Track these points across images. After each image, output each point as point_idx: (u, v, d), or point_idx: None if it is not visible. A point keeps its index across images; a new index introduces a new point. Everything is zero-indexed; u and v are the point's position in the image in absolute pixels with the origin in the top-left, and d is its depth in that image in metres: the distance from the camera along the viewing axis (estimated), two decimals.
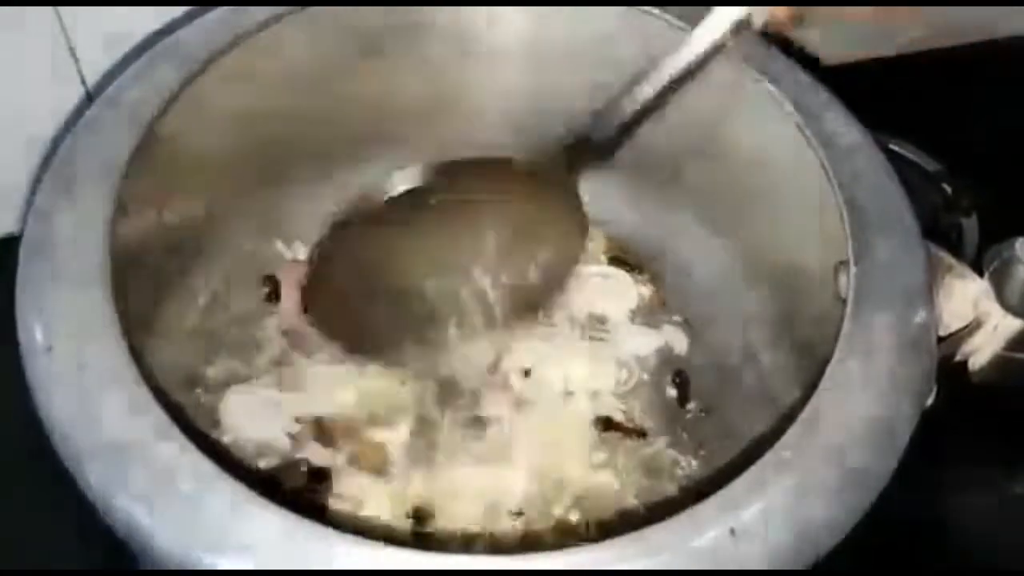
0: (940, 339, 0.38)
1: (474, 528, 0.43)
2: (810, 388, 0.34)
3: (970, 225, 0.57)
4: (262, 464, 0.45)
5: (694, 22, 0.45)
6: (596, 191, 0.53)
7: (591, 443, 0.47)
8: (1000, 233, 0.43)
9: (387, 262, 0.44)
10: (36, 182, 0.39)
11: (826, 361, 0.34)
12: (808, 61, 0.47)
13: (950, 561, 0.48)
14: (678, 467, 0.47)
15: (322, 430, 0.47)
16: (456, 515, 0.44)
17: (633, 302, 0.52)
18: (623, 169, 0.53)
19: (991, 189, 0.59)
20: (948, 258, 0.39)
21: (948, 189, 0.59)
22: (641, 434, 0.47)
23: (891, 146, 0.59)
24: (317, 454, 0.46)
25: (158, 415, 0.31)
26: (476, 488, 0.45)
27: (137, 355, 0.33)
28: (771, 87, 0.43)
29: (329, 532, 0.29)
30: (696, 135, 0.48)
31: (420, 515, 0.44)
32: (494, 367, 0.49)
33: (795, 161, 0.42)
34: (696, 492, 0.43)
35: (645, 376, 0.50)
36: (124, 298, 0.34)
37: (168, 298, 0.45)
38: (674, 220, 0.52)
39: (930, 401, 0.36)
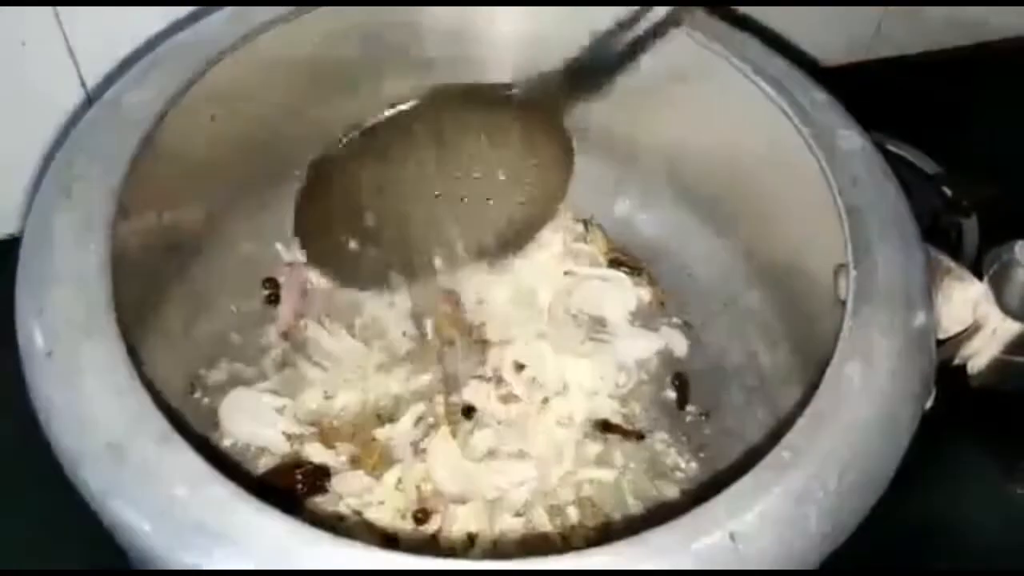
0: (939, 342, 0.38)
1: (475, 529, 0.43)
2: (810, 391, 0.34)
3: (970, 226, 0.57)
4: (262, 466, 0.45)
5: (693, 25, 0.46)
6: (596, 192, 0.54)
7: (590, 445, 0.47)
8: (1000, 234, 0.43)
9: (374, 189, 0.45)
10: (36, 184, 0.39)
11: (826, 364, 0.34)
12: (807, 62, 0.47)
13: (950, 561, 0.48)
14: (678, 469, 0.47)
15: (322, 431, 0.47)
16: (457, 516, 0.44)
17: (633, 304, 0.52)
18: (623, 172, 0.53)
19: (991, 190, 0.59)
20: (947, 261, 0.39)
21: (948, 191, 0.59)
22: (639, 436, 0.47)
23: (890, 148, 0.59)
24: (317, 455, 0.46)
25: (156, 418, 0.31)
26: (477, 489, 0.45)
27: (136, 358, 0.33)
28: (770, 89, 0.43)
29: (325, 536, 0.29)
30: (695, 137, 0.48)
31: (421, 516, 0.44)
32: (495, 368, 0.49)
33: (794, 164, 0.42)
34: (696, 494, 0.43)
35: (645, 378, 0.50)
36: (123, 300, 0.34)
37: (167, 300, 0.45)
38: (674, 222, 0.52)
39: (929, 404, 0.36)
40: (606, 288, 0.52)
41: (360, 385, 0.48)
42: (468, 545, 0.43)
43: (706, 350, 0.51)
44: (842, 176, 0.40)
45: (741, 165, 0.47)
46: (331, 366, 0.48)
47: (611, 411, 0.48)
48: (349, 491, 0.44)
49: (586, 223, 0.54)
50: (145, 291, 0.42)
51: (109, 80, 0.44)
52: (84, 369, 0.32)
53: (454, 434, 0.46)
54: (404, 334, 0.50)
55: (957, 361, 0.41)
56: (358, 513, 0.44)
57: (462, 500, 0.44)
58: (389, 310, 0.50)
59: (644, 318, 0.52)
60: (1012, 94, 0.68)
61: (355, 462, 0.46)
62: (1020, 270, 0.38)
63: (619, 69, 0.43)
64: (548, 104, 0.45)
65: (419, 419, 0.47)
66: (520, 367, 0.48)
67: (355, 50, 0.48)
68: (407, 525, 0.44)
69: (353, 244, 0.45)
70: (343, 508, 0.44)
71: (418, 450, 0.46)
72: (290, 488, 0.44)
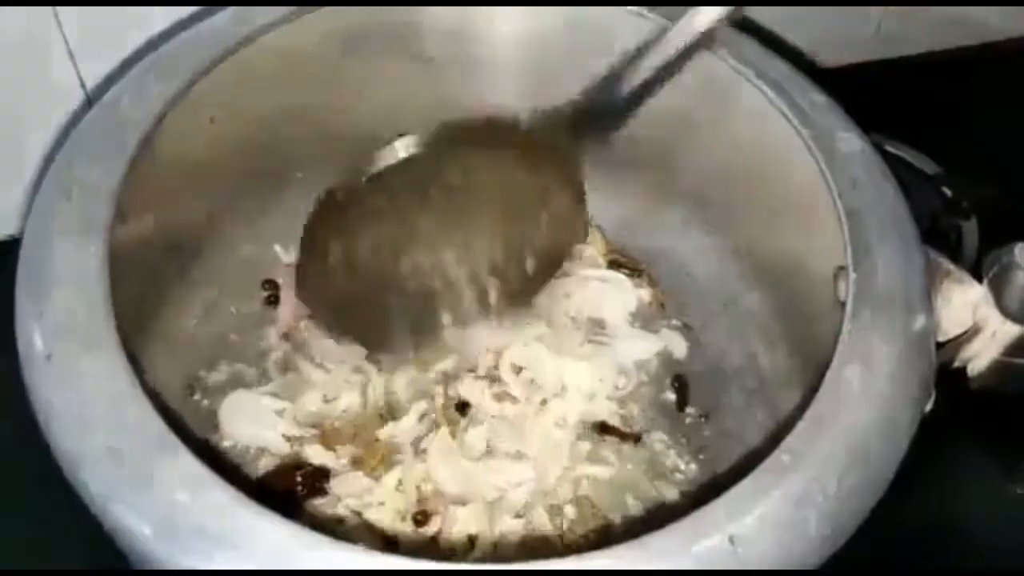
0: (939, 345, 0.38)
1: (475, 530, 0.43)
2: (809, 393, 0.34)
3: (970, 228, 0.57)
4: (262, 468, 0.45)
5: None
6: (596, 194, 0.53)
7: (589, 447, 0.47)
8: (1000, 236, 0.43)
9: (379, 241, 0.42)
10: (36, 185, 0.39)
11: (825, 366, 0.34)
12: (806, 63, 0.47)
13: (950, 562, 0.48)
14: (677, 471, 0.47)
15: (323, 433, 0.47)
16: (457, 517, 0.44)
17: (632, 306, 0.52)
18: (623, 173, 0.53)
19: (991, 191, 0.59)
20: (947, 264, 0.39)
21: (948, 192, 0.59)
22: (636, 439, 0.47)
23: (890, 149, 0.59)
24: (317, 457, 0.46)
25: (156, 421, 0.31)
26: (477, 490, 0.45)
27: (136, 360, 0.33)
28: (769, 91, 0.43)
29: (325, 539, 0.29)
30: (695, 139, 0.48)
31: (421, 518, 0.44)
32: (494, 369, 0.49)
33: (794, 166, 0.42)
34: (696, 497, 0.43)
35: (644, 380, 0.50)
36: (123, 302, 0.34)
37: (167, 302, 0.45)
38: (674, 224, 0.52)
39: (929, 406, 0.36)
40: (606, 290, 0.52)
41: (361, 386, 0.48)
42: (468, 547, 0.43)
43: (706, 352, 0.51)
44: (841, 178, 0.40)
45: (740, 167, 0.47)
46: (332, 367, 0.48)
47: (609, 413, 0.48)
48: (349, 493, 0.44)
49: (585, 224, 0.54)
50: (145, 293, 0.42)
51: (109, 81, 0.44)
52: (83, 372, 0.32)
53: (453, 434, 0.46)
54: None
55: (957, 363, 0.41)
56: (358, 514, 0.44)
57: (462, 501, 0.44)
58: None
59: (644, 320, 0.52)
60: (1012, 94, 0.68)
61: (356, 463, 0.46)
62: (1020, 272, 0.38)
63: (636, 108, 0.41)
64: (561, 148, 0.42)
65: (422, 416, 0.47)
66: (518, 369, 0.48)
67: (355, 51, 0.48)
68: (407, 527, 0.44)
69: (357, 302, 0.42)
70: (343, 510, 0.44)
71: (419, 450, 0.46)
72: (290, 490, 0.44)
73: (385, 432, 0.46)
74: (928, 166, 0.60)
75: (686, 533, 0.30)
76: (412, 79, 0.50)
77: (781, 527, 0.30)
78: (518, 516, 0.44)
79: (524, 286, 0.44)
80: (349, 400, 0.48)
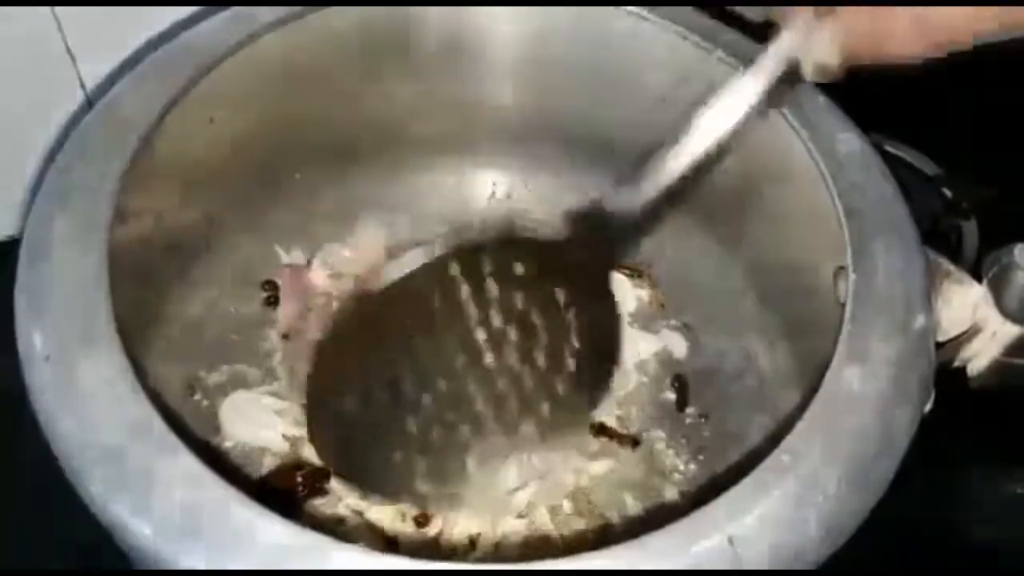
0: (939, 345, 0.38)
1: (476, 531, 0.43)
2: (809, 393, 0.34)
3: (970, 228, 0.57)
4: (262, 468, 0.45)
5: (689, 24, 0.46)
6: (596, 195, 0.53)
7: (588, 446, 0.47)
8: (1000, 236, 0.43)
9: (395, 370, 0.35)
10: (36, 185, 0.39)
11: (825, 366, 0.34)
12: None
13: (950, 562, 0.48)
14: (677, 471, 0.47)
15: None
16: (458, 517, 0.44)
17: (632, 306, 0.52)
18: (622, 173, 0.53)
19: (991, 192, 0.58)
20: (947, 264, 0.39)
21: (948, 192, 0.59)
22: (634, 442, 0.47)
23: (890, 149, 0.59)
24: (317, 457, 0.45)
25: (156, 421, 0.31)
26: (478, 490, 0.45)
27: (136, 361, 0.33)
28: None
29: (325, 540, 0.29)
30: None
31: (422, 520, 0.44)
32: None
33: (794, 166, 0.42)
34: (695, 497, 0.43)
35: (644, 380, 0.50)
36: (123, 303, 0.34)
37: (166, 303, 0.45)
38: (673, 224, 0.52)
39: (929, 406, 0.36)
40: None
41: None
42: (469, 548, 0.43)
43: (705, 352, 0.51)
44: (841, 179, 0.40)
45: (740, 167, 0.46)
46: None
47: (609, 413, 0.48)
48: (349, 492, 0.44)
49: None
50: (144, 293, 0.42)
51: (109, 82, 0.44)
52: (83, 372, 0.32)
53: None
54: None
55: (957, 363, 0.41)
56: (358, 514, 0.44)
57: (463, 502, 0.44)
58: None
59: (644, 320, 0.52)
60: (1012, 94, 0.68)
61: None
62: (1020, 273, 0.39)
63: (673, 206, 0.35)
64: (590, 259, 0.36)
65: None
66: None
67: (356, 51, 0.48)
68: (407, 527, 0.43)
69: (371, 444, 0.36)
70: (343, 510, 0.44)
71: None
72: (290, 490, 0.44)
73: None
74: (928, 167, 0.60)
75: (685, 533, 0.30)
76: (412, 79, 0.50)
77: (781, 527, 0.30)
78: (520, 516, 0.44)
79: (558, 418, 0.38)
80: None
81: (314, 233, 0.52)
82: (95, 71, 0.51)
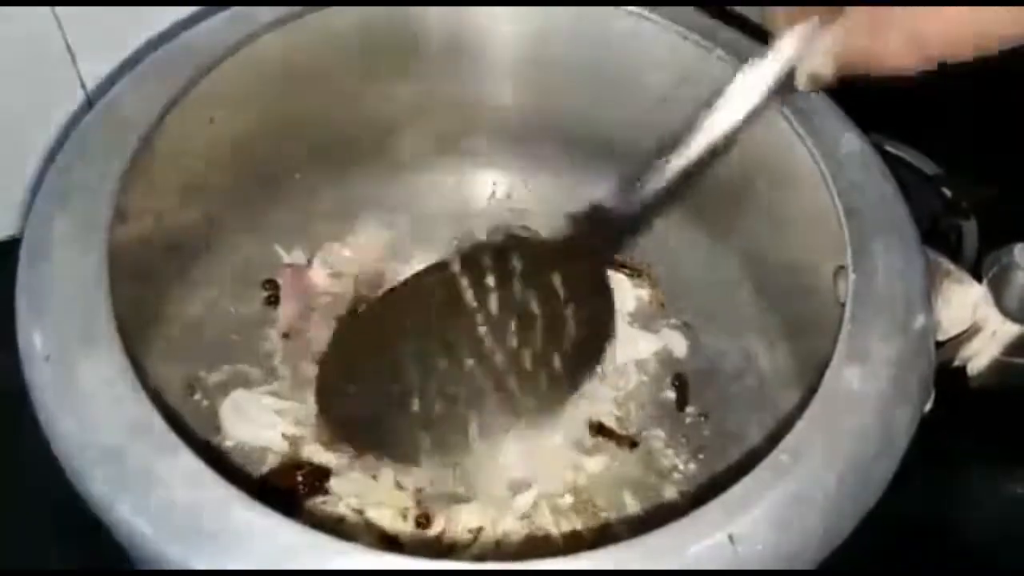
0: (939, 344, 0.38)
1: (476, 530, 0.43)
2: (809, 392, 0.34)
3: (969, 228, 0.57)
4: (263, 468, 0.45)
5: (689, 24, 0.46)
6: (595, 194, 0.53)
7: (588, 446, 0.47)
8: (1000, 236, 0.43)
9: (403, 354, 0.41)
10: (36, 185, 0.39)
11: (825, 365, 0.34)
12: None
13: (950, 562, 0.48)
14: (676, 471, 0.47)
15: (323, 433, 0.47)
16: (459, 517, 0.44)
17: (632, 305, 0.52)
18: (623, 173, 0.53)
19: (991, 192, 0.59)
20: (947, 263, 0.39)
21: (947, 192, 0.59)
22: (632, 443, 0.47)
23: (890, 149, 0.59)
24: (318, 456, 0.46)
25: (156, 421, 0.31)
26: (478, 489, 0.45)
27: (136, 361, 0.33)
28: None
29: (325, 538, 0.29)
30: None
31: (423, 521, 0.44)
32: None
33: (793, 166, 0.42)
34: (695, 496, 0.43)
35: (644, 379, 0.50)
36: (123, 303, 0.34)
37: (167, 303, 0.45)
38: (673, 223, 0.52)
39: (929, 406, 0.36)
40: None
41: None
42: (470, 544, 0.43)
43: (706, 351, 0.51)
44: (841, 178, 0.40)
45: (741, 167, 0.46)
46: None
47: (607, 413, 0.48)
48: (350, 492, 0.44)
49: None
50: (144, 293, 0.42)
51: (109, 81, 0.44)
52: (83, 372, 0.32)
53: (454, 437, 0.46)
54: None
55: (957, 363, 0.41)
56: (359, 513, 0.44)
57: (463, 501, 0.44)
58: None
59: (644, 319, 0.52)
60: (1012, 95, 0.68)
61: (355, 464, 0.45)
62: (1019, 272, 0.39)
63: (655, 215, 0.39)
64: (587, 253, 0.41)
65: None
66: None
67: (356, 51, 0.48)
68: (408, 526, 0.44)
69: (380, 416, 0.41)
70: (343, 509, 0.44)
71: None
72: (290, 489, 0.44)
73: None
74: (928, 166, 0.60)
75: (685, 532, 0.30)
76: (412, 79, 0.50)
77: (780, 526, 0.30)
78: (524, 517, 0.44)
79: (554, 391, 0.42)
80: None
81: (314, 233, 0.52)
82: (95, 71, 0.51)
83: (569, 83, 0.50)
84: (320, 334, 0.49)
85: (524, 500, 0.44)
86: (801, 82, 0.35)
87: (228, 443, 0.46)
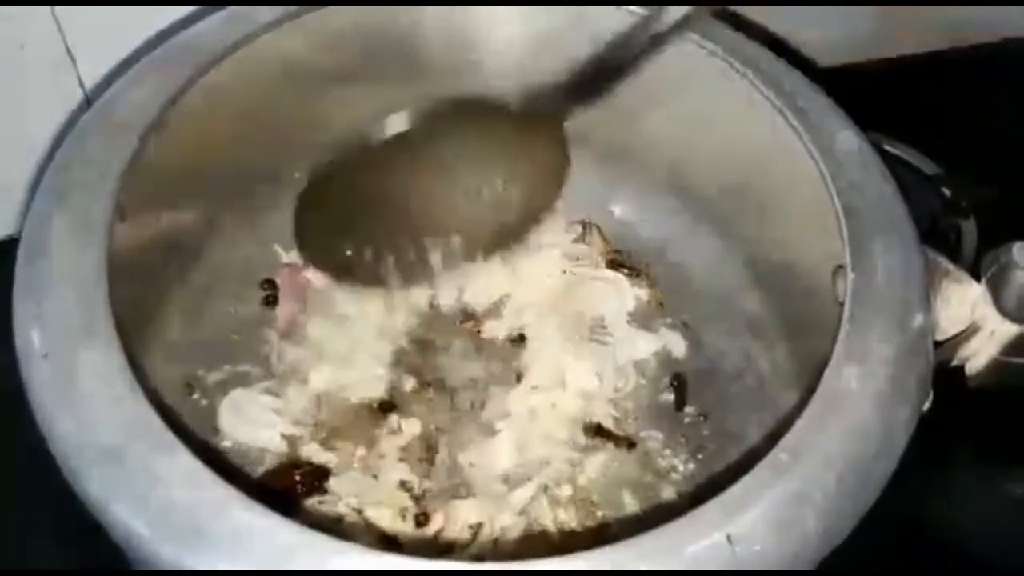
0: (937, 344, 0.38)
1: (476, 526, 0.43)
2: (808, 392, 0.34)
3: (969, 228, 0.57)
4: (261, 468, 0.45)
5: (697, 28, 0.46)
6: (596, 193, 0.54)
7: (587, 446, 0.47)
8: (999, 235, 0.43)
9: (375, 196, 0.45)
10: (35, 184, 0.39)
11: (824, 365, 0.34)
12: (805, 63, 0.47)
13: (949, 562, 0.48)
14: (675, 471, 0.47)
15: (321, 433, 0.47)
16: (457, 516, 0.44)
17: (631, 305, 0.52)
18: (622, 174, 0.53)
19: (990, 192, 0.59)
20: (945, 263, 0.39)
21: (947, 192, 0.59)
22: (630, 444, 0.47)
23: (890, 149, 0.59)
24: (316, 456, 0.46)
25: (154, 420, 0.31)
26: (477, 488, 0.45)
27: (134, 360, 0.33)
28: (769, 91, 0.43)
29: (323, 538, 0.29)
30: (695, 139, 0.48)
31: (422, 519, 0.44)
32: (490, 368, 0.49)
33: (793, 165, 0.42)
34: (694, 496, 0.43)
35: (643, 380, 0.50)
36: (121, 302, 0.34)
37: (166, 302, 0.45)
38: (673, 223, 0.52)
39: (927, 405, 0.36)
40: (605, 289, 0.52)
41: (361, 383, 0.48)
42: (468, 541, 0.43)
43: (704, 351, 0.51)
44: (840, 178, 0.40)
45: (740, 167, 0.47)
46: (331, 366, 0.48)
47: (605, 413, 0.48)
48: (348, 491, 0.44)
49: (585, 224, 0.54)
50: (143, 293, 0.42)
51: (109, 81, 0.44)
52: (81, 371, 0.32)
53: (454, 436, 0.46)
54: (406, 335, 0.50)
55: (955, 362, 0.41)
56: (357, 512, 0.44)
57: (462, 500, 0.44)
58: (391, 311, 0.50)
59: (643, 319, 0.52)
60: (1012, 94, 0.68)
61: (354, 463, 0.46)
62: (1018, 272, 0.39)
63: (621, 78, 0.43)
64: (547, 114, 0.45)
65: (420, 421, 0.47)
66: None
67: (355, 51, 0.48)
68: (407, 526, 0.44)
69: (351, 246, 0.46)
70: (342, 508, 0.44)
71: (418, 451, 0.46)
72: (289, 489, 0.44)
73: (382, 436, 0.46)
74: (927, 166, 0.60)
75: (684, 532, 0.30)
76: (412, 79, 0.50)
77: (779, 526, 0.30)
78: (521, 514, 0.44)
79: (509, 233, 0.48)
80: (349, 397, 0.48)
81: None
82: (95, 71, 0.51)
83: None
84: (319, 333, 0.49)
85: (522, 494, 0.44)
86: None
87: (226, 443, 0.46)
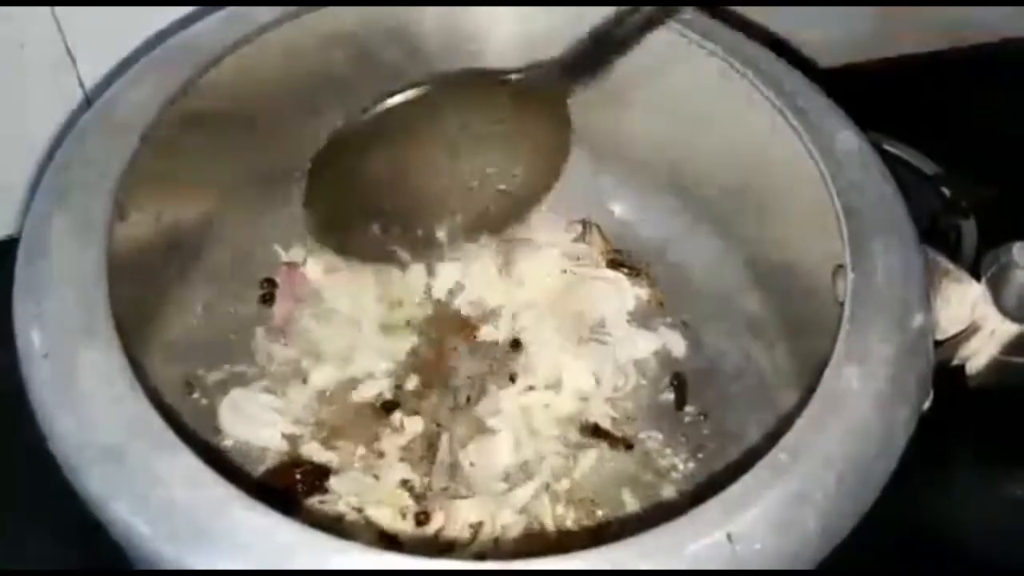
0: (937, 343, 0.38)
1: (476, 525, 0.43)
2: (808, 392, 0.34)
3: (969, 227, 0.57)
4: (262, 467, 0.45)
5: (693, 26, 0.46)
6: (596, 193, 0.54)
7: (579, 443, 0.47)
8: (999, 235, 0.43)
9: (380, 171, 0.47)
10: (35, 184, 0.39)
11: (824, 365, 0.34)
12: (805, 63, 0.47)
13: (949, 562, 0.48)
14: (675, 470, 0.47)
15: (321, 431, 0.47)
16: (457, 515, 0.44)
17: (631, 304, 0.52)
18: (622, 173, 0.53)
19: (990, 191, 0.59)
20: (945, 262, 0.39)
21: (947, 192, 0.59)
22: (628, 445, 0.47)
23: (890, 149, 0.59)
24: (316, 455, 0.46)
25: (154, 420, 0.31)
26: (476, 488, 0.45)
27: (134, 360, 0.33)
28: (769, 91, 0.43)
29: (324, 537, 0.29)
30: (695, 139, 0.49)
31: (423, 518, 0.44)
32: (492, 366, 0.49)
33: (793, 165, 0.42)
34: (694, 495, 0.43)
35: (643, 379, 0.50)
36: (121, 302, 0.34)
37: (166, 302, 0.45)
38: (673, 223, 0.52)
39: (927, 405, 0.36)
40: (605, 289, 0.52)
41: (362, 382, 0.48)
42: (469, 540, 0.43)
43: (704, 351, 0.51)
44: (840, 177, 0.40)
45: (740, 167, 0.47)
46: (331, 365, 0.48)
47: (604, 413, 0.48)
48: (349, 490, 0.44)
49: (585, 224, 0.54)
50: (143, 292, 0.42)
51: (109, 81, 0.44)
52: (82, 371, 0.32)
53: (454, 435, 0.46)
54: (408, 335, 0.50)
55: (955, 362, 0.41)
56: (358, 511, 0.44)
57: (461, 500, 0.44)
58: (391, 310, 0.50)
59: (642, 318, 0.52)
60: (1012, 94, 0.68)
61: (354, 462, 0.46)
62: (1018, 271, 0.39)
63: (618, 56, 0.44)
64: (547, 90, 0.46)
65: (420, 420, 0.47)
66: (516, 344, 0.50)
67: (355, 51, 0.48)
68: (408, 525, 0.44)
69: (359, 221, 0.48)
70: (343, 507, 0.44)
71: (418, 450, 0.46)
72: (289, 488, 0.44)
73: (382, 435, 0.46)
74: (927, 166, 0.60)
75: (684, 531, 0.30)
76: (411, 80, 0.50)
77: (779, 526, 0.30)
78: (521, 512, 0.44)
79: (513, 207, 0.50)
80: (349, 397, 0.48)
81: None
82: (95, 71, 0.51)
83: None
84: (319, 332, 0.49)
85: (523, 493, 0.44)
86: None
87: (226, 442, 0.46)
